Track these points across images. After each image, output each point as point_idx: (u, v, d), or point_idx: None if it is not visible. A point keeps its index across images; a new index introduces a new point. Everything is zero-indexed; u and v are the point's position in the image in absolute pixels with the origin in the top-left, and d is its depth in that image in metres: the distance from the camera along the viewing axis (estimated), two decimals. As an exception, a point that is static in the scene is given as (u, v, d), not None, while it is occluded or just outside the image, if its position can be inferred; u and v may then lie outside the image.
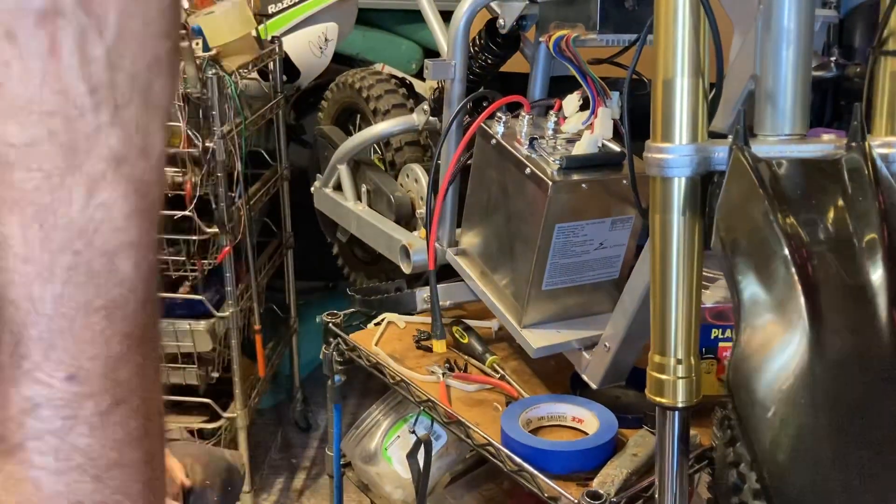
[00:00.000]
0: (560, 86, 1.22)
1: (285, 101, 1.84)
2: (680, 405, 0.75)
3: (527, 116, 1.10)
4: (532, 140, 1.08)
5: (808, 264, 0.64)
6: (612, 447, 0.99)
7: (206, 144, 1.38)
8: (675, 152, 0.72)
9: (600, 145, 1.06)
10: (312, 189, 1.71)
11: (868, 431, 0.60)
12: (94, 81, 0.28)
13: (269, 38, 1.75)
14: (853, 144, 0.71)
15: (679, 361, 0.74)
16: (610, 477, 0.93)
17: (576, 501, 0.90)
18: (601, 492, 0.89)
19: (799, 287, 0.62)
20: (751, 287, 0.65)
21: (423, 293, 1.35)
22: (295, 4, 1.82)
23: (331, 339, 1.31)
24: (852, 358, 0.61)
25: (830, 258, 0.65)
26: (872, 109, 0.76)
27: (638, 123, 0.81)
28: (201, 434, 1.58)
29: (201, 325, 1.52)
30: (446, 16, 1.28)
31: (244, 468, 1.02)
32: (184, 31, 1.36)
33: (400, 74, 1.94)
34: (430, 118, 1.41)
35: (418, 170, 1.46)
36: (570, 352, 1.10)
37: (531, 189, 1.05)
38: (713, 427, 0.96)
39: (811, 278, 0.63)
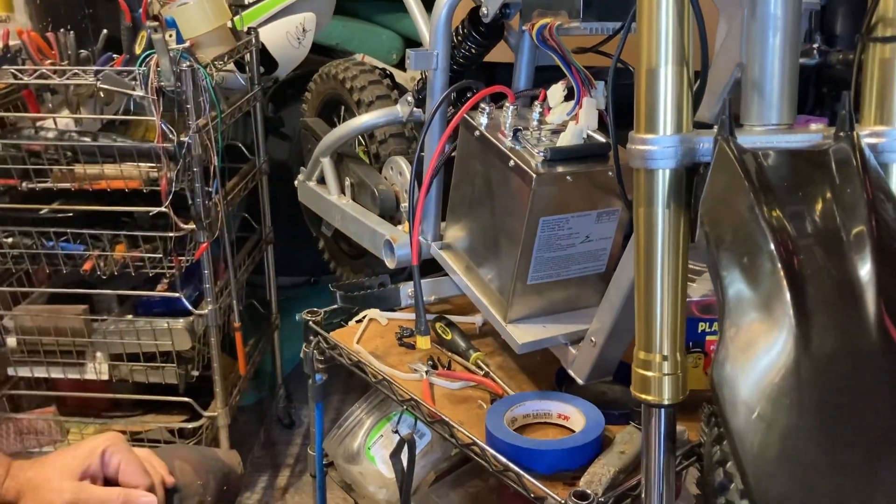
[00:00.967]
0: (545, 75, 1.20)
1: (263, 94, 1.80)
2: (666, 402, 0.73)
3: (511, 107, 1.07)
4: (516, 131, 1.05)
5: (795, 259, 0.62)
6: (599, 445, 0.98)
7: (182, 139, 1.35)
8: (659, 143, 0.70)
9: (585, 136, 1.04)
10: (296, 182, 1.67)
11: (856, 432, 0.58)
12: None
13: (246, 28, 1.72)
14: (841, 134, 0.69)
15: (665, 358, 0.72)
16: (597, 476, 0.92)
17: (562, 501, 0.89)
18: (588, 491, 0.88)
19: (785, 284, 0.61)
20: (736, 284, 0.63)
21: (407, 288, 1.33)
22: (272, -6, 1.78)
23: (311, 338, 1.28)
24: (840, 357, 0.59)
25: (817, 252, 0.63)
26: (860, 98, 0.74)
27: (624, 113, 0.79)
28: (182, 434, 1.56)
29: (180, 323, 1.49)
30: (428, 4, 1.25)
31: (241, 467, 0.99)
32: (157, 23, 1.32)
33: (381, 65, 1.90)
34: (415, 109, 1.38)
35: (402, 162, 1.43)
36: (556, 347, 1.08)
37: (515, 182, 1.03)
38: (701, 423, 0.95)
39: (798, 274, 0.61)
